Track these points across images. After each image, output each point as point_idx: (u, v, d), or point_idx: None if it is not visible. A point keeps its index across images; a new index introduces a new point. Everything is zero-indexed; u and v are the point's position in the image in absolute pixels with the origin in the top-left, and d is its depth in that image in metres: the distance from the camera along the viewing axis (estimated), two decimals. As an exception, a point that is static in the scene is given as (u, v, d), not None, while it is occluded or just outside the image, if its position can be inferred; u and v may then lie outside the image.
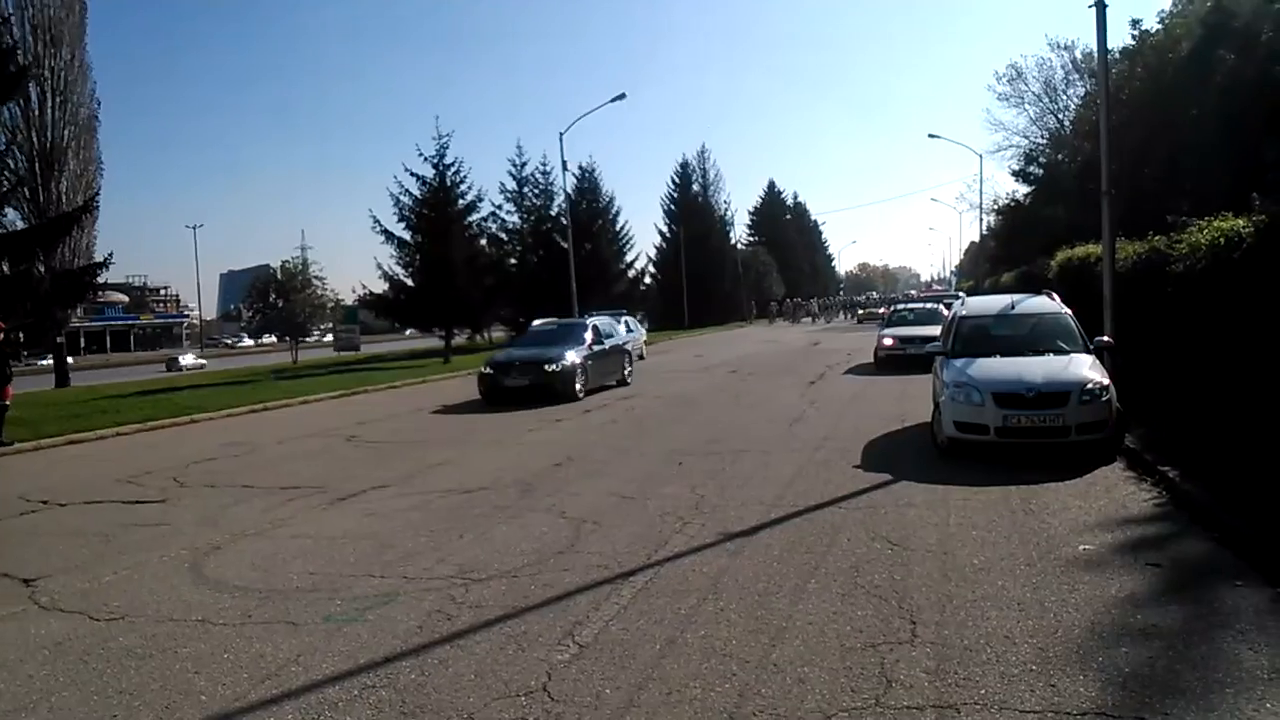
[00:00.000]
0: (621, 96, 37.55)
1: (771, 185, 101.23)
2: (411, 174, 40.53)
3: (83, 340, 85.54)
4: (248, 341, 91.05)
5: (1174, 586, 5.54)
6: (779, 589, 5.78)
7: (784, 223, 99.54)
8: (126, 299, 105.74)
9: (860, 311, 66.39)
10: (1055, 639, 4.75)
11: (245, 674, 4.81)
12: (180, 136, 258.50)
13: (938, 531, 6.98)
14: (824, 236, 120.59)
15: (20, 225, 29.15)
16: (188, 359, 59.88)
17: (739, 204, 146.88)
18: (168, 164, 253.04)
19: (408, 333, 63.40)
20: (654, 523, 7.69)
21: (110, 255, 30.03)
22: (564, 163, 39.42)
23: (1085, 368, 9.87)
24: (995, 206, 51.25)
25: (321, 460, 12.09)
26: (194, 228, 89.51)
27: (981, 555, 6.30)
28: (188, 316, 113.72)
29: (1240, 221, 10.02)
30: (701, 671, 4.56)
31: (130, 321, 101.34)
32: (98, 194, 33.20)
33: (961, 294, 26.58)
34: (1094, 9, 13.40)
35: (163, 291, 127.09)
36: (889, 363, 21.81)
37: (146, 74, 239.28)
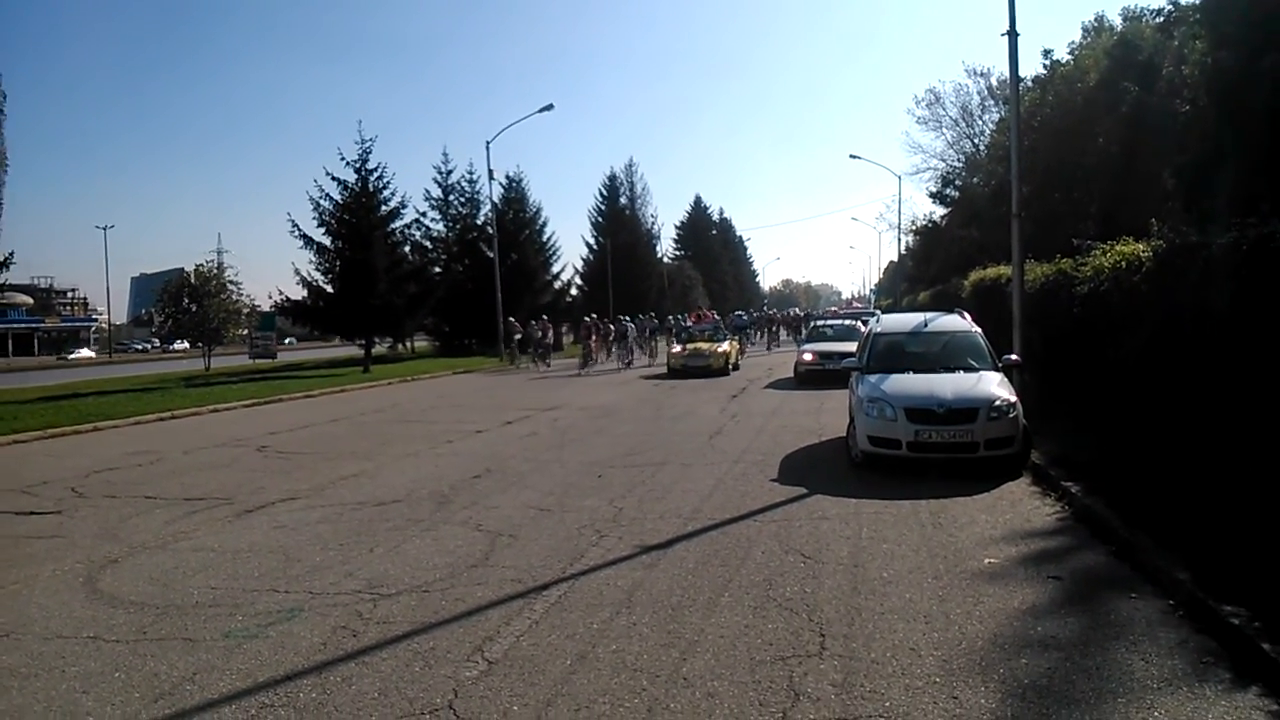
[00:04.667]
0: (549, 107, 37.65)
1: (698, 200, 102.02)
2: (333, 178, 39.75)
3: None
4: (178, 346, 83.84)
5: (1073, 598, 5.72)
6: (692, 602, 5.79)
7: (710, 238, 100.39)
8: (30, 301, 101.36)
9: (684, 349, 27.83)
10: (959, 651, 4.85)
11: (137, 693, 4.61)
12: (93, 132, 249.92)
13: (849, 545, 7.08)
14: (749, 252, 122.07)
15: (-86, 222, 27.65)
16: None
17: (666, 218, 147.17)
18: (78, 162, 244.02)
19: (336, 341, 61.60)
20: (571, 535, 7.64)
21: (11, 254, 28.55)
22: (490, 171, 39.07)
23: (994, 385, 10.13)
24: (913, 227, 52.75)
25: (229, 471, 11.72)
26: (104, 228, 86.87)
27: (891, 568, 6.41)
28: (96, 320, 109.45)
29: (1140, 246, 10.46)
30: (611, 686, 4.52)
31: (34, 324, 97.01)
32: (0, 189, 31.79)
33: (877, 311, 27.11)
34: (1006, 38, 13.86)
35: (70, 294, 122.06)
36: (809, 378, 22.14)
37: (55, 66, 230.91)
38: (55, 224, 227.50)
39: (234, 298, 42.29)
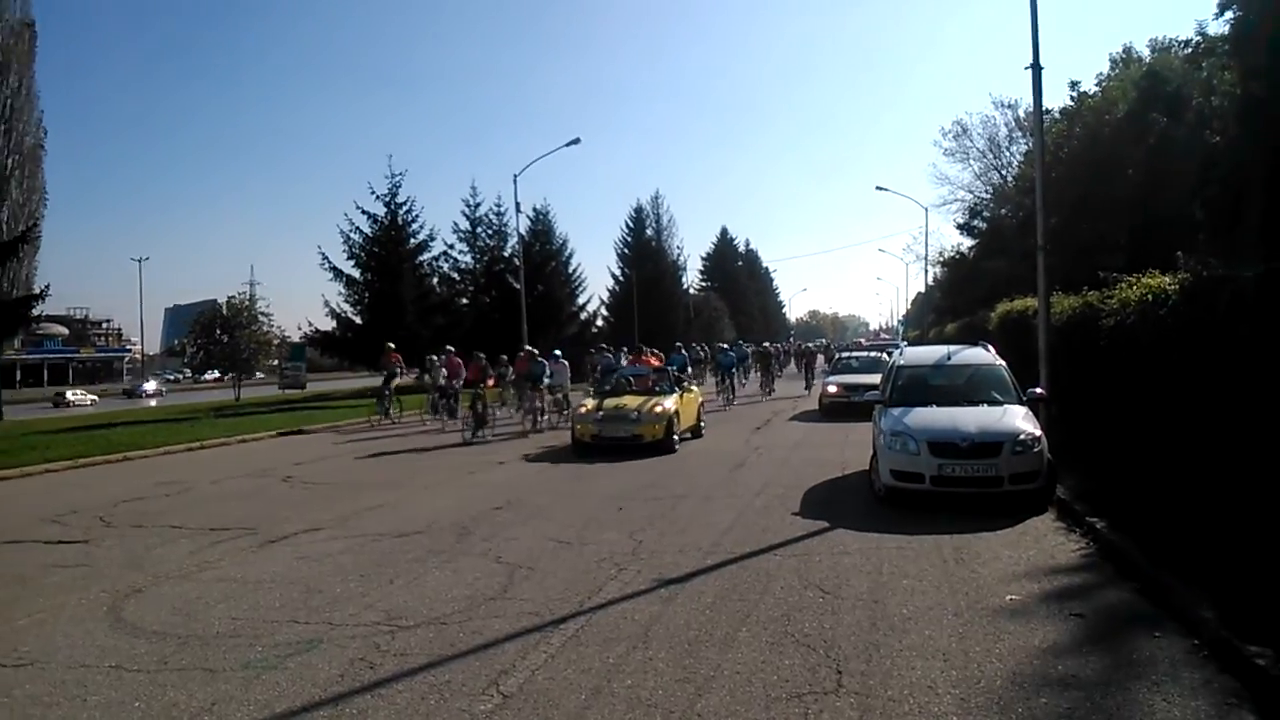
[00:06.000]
0: (576, 141, 37.85)
1: (724, 232, 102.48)
2: (363, 211, 40.48)
3: (19, 373, 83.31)
4: (209, 376, 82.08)
5: (1095, 637, 5.62)
6: (709, 637, 5.76)
7: (736, 269, 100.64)
8: (66, 332, 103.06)
9: (598, 405, 16.70)
10: (977, 689, 4.78)
11: (155, 724, 4.65)
12: (128, 167, 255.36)
13: (870, 580, 7.02)
14: (775, 283, 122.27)
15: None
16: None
17: (692, 249, 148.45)
18: (114, 194, 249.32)
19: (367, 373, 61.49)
20: (590, 569, 7.63)
21: (47, 287, 29.59)
22: (517, 204, 39.49)
23: (1018, 419, 10.04)
24: (940, 259, 52.45)
25: (255, 501, 11.84)
26: (139, 260, 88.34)
27: (911, 604, 6.35)
28: (130, 351, 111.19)
29: (1167, 279, 10.37)
30: (625, 722, 4.51)
31: (70, 355, 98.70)
32: (38, 223, 32.63)
33: (902, 343, 26.99)
34: (1029, 71, 13.87)
35: (105, 325, 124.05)
36: (833, 410, 22.06)
37: (93, 101, 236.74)
38: (91, 256, 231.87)
39: (265, 329, 42.91)
